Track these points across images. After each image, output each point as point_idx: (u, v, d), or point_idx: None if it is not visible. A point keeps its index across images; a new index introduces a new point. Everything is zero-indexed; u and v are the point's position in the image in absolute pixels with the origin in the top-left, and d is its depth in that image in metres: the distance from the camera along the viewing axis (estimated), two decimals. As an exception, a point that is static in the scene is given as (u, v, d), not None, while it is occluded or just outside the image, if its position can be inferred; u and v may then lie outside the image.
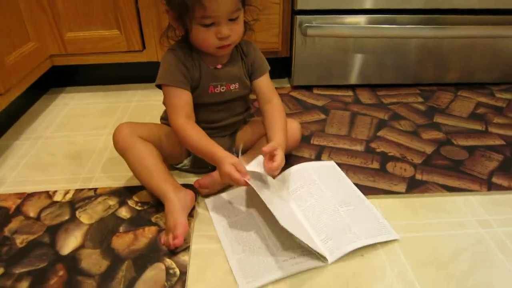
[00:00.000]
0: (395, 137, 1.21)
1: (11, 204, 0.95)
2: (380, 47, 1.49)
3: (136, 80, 1.62)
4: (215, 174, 0.94)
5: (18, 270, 0.77)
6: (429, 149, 1.15)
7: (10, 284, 0.75)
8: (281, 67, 1.63)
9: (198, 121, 0.94)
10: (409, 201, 0.95)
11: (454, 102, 1.45)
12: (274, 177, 0.93)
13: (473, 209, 0.93)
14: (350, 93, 1.52)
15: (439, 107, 1.41)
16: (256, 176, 0.86)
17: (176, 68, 0.91)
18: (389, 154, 1.13)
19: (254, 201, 0.93)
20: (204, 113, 0.97)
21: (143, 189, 0.98)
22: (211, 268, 0.78)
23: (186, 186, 0.94)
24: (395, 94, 1.51)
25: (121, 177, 1.04)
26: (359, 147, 1.16)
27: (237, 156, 0.86)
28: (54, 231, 0.87)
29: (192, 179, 1.03)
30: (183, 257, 0.79)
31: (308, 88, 1.56)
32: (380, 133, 1.23)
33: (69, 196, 0.97)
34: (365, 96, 1.49)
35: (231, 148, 0.99)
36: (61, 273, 0.77)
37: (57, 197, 0.97)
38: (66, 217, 0.91)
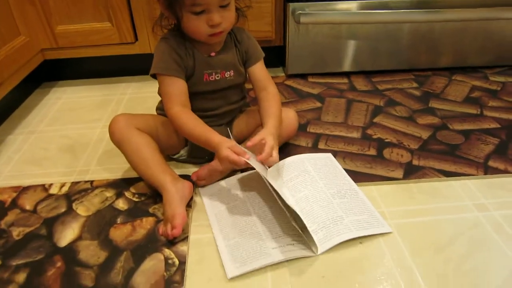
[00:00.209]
0: (391, 123, 1.21)
1: (7, 198, 0.94)
2: (373, 33, 1.48)
3: (129, 73, 1.61)
4: (214, 163, 0.94)
5: (15, 262, 0.77)
6: (425, 134, 1.15)
7: (8, 276, 0.74)
8: (275, 56, 1.62)
9: (194, 110, 0.93)
10: (406, 187, 0.95)
11: (448, 87, 1.45)
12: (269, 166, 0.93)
13: (470, 193, 0.93)
14: (345, 80, 1.52)
15: (434, 92, 1.41)
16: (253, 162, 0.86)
17: (170, 56, 0.90)
18: (386, 140, 1.13)
19: (247, 189, 0.94)
20: (200, 102, 0.97)
21: (140, 180, 0.97)
22: (210, 258, 0.78)
23: (184, 177, 0.94)
24: (389, 80, 1.51)
25: (118, 169, 1.04)
26: (355, 134, 1.16)
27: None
28: (50, 223, 0.86)
29: (189, 169, 1.02)
30: (181, 247, 0.79)
31: (303, 76, 1.55)
32: (376, 120, 1.23)
33: (65, 189, 0.97)
34: (360, 83, 1.49)
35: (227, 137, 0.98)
36: (58, 264, 0.76)
37: (53, 190, 0.96)
38: (63, 210, 0.90)
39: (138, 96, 1.45)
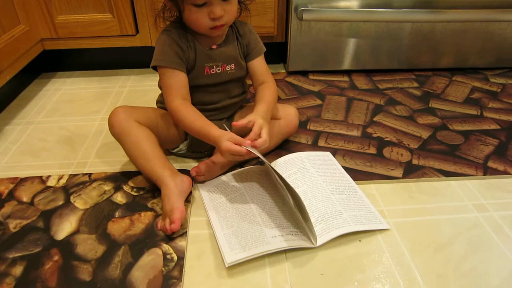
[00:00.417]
0: (391, 122, 1.21)
1: (4, 189, 0.94)
2: (375, 32, 1.47)
3: (129, 65, 1.60)
4: (214, 158, 0.95)
5: (12, 255, 0.76)
6: (425, 134, 1.15)
7: (4, 269, 0.74)
8: (276, 52, 1.62)
9: (195, 103, 0.93)
10: (405, 186, 0.95)
11: (449, 87, 1.45)
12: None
13: (469, 194, 0.93)
14: (345, 78, 1.51)
15: (434, 92, 1.41)
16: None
17: (171, 48, 0.90)
18: (386, 139, 1.12)
19: (245, 182, 0.94)
20: (201, 95, 0.96)
21: (139, 174, 0.97)
22: (209, 253, 0.77)
23: (183, 171, 0.93)
24: (390, 79, 1.51)
25: (116, 162, 1.03)
26: (355, 132, 1.16)
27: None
28: (48, 216, 0.86)
29: (188, 164, 1.02)
30: (180, 243, 0.79)
31: (304, 73, 1.55)
32: (376, 118, 1.23)
33: (63, 181, 0.96)
34: (361, 81, 1.49)
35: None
36: (56, 258, 0.76)
37: (51, 182, 0.96)
38: (60, 202, 0.89)
39: (138, 89, 1.44)
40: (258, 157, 0.83)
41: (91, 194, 0.92)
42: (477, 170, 1.00)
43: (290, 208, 0.84)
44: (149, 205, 0.88)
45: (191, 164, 1.02)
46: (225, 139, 0.81)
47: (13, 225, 0.84)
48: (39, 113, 1.29)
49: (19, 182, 0.96)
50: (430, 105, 1.32)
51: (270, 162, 0.94)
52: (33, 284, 0.71)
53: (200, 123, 0.87)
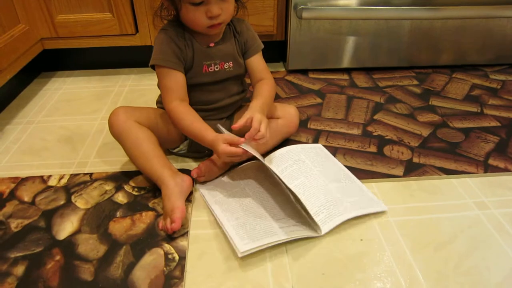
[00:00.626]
0: (392, 120, 1.21)
1: (5, 188, 0.94)
2: (375, 29, 1.47)
3: (129, 65, 1.60)
4: (214, 157, 0.95)
5: (14, 254, 0.77)
6: (425, 132, 1.15)
7: (6, 269, 0.74)
8: (276, 51, 1.62)
9: (195, 102, 0.93)
10: (406, 184, 0.95)
11: (449, 84, 1.45)
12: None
13: (470, 191, 0.93)
14: (345, 76, 1.51)
15: (434, 90, 1.41)
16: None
17: (168, 47, 0.90)
18: (386, 137, 1.12)
19: (244, 177, 0.95)
20: (200, 94, 0.96)
21: (140, 174, 0.97)
22: (210, 253, 0.78)
23: (184, 171, 0.93)
24: (390, 77, 1.51)
25: (117, 162, 1.03)
26: (356, 131, 1.16)
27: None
28: (49, 215, 0.86)
29: (189, 163, 1.02)
30: (181, 242, 0.79)
31: (304, 72, 1.55)
32: (376, 117, 1.23)
33: (64, 181, 0.96)
34: (361, 80, 1.48)
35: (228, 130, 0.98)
36: (57, 257, 0.76)
37: (52, 182, 0.96)
38: (62, 202, 0.90)
39: (138, 88, 1.44)
40: (255, 156, 0.84)
41: (92, 194, 0.92)
42: (477, 167, 1.00)
43: (291, 201, 0.85)
44: (150, 205, 0.89)
45: (191, 164, 1.02)
46: (220, 142, 0.82)
47: (15, 224, 0.84)
48: (40, 113, 1.29)
49: (20, 181, 0.96)
50: (430, 103, 1.32)
51: (266, 158, 0.95)
52: (35, 284, 0.71)
53: (196, 126, 0.88)
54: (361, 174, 0.97)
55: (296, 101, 1.33)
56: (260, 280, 0.72)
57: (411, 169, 0.99)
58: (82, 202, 0.90)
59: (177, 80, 0.91)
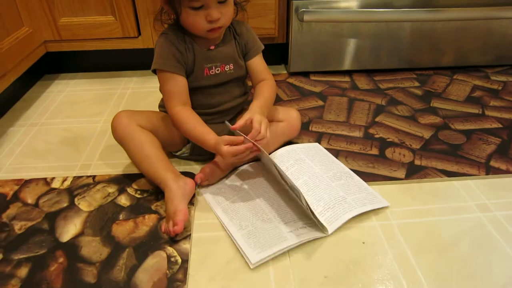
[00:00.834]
0: (393, 123, 1.21)
1: (9, 190, 0.94)
2: (376, 31, 1.48)
3: (132, 67, 1.61)
4: (217, 159, 0.95)
5: (17, 256, 0.77)
6: (427, 134, 1.15)
7: (9, 270, 0.74)
8: (277, 53, 1.62)
9: (197, 106, 0.93)
10: (408, 187, 0.95)
11: (450, 86, 1.45)
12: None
13: (472, 194, 0.93)
14: (347, 78, 1.51)
15: (435, 91, 1.41)
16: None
17: (169, 51, 0.90)
18: (388, 139, 1.13)
19: (247, 180, 0.95)
20: (202, 97, 0.97)
21: (143, 176, 0.97)
22: (213, 256, 0.78)
23: (186, 174, 0.94)
24: (391, 79, 1.51)
25: (120, 164, 1.04)
26: (357, 133, 1.16)
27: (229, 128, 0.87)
28: (53, 218, 0.86)
29: (191, 166, 1.02)
30: (184, 245, 0.79)
31: (305, 74, 1.55)
32: (378, 119, 1.23)
33: (67, 183, 0.97)
34: (362, 82, 1.49)
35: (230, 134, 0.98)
36: (61, 259, 0.76)
37: (55, 184, 0.96)
38: (65, 204, 0.90)
39: (141, 91, 1.45)
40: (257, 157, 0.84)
41: (95, 196, 0.92)
42: (479, 169, 1.00)
43: (295, 201, 0.85)
44: (153, 207, 0.89)
45: (194, 167, 1.02)
46: (222, 144, 0.83)
47: (18, 226, 0.84)
48: (43, 115, 1.30)
49: (24, 183, 0.97)
50: (431, 105, 1.32)
51: None
52: (38, 286, 0.71)
53: (198, 130, 0.88)
54: (363, 176, 0.97)
55: (297, 103, 1.33)
56: (262, 283, 0.72)
57: (413, 172, 0.99)
58: (85, 204, 0.90)
59: (179, 84, 0.92)
